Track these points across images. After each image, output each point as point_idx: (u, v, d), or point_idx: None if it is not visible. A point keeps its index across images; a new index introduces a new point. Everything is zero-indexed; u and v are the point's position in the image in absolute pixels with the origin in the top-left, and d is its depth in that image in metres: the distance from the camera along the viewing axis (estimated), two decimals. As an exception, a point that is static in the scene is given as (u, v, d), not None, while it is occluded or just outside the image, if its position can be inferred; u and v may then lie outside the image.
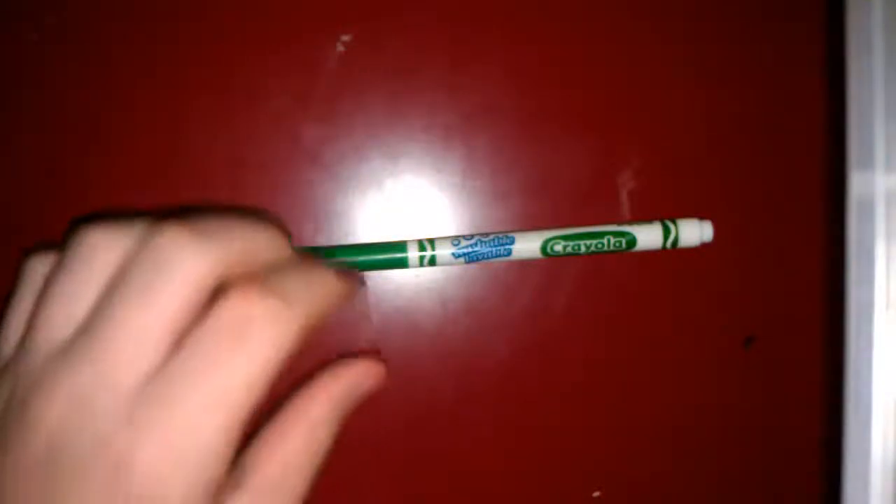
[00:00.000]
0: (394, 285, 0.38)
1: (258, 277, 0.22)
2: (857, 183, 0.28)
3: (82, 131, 0.37)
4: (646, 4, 0.39)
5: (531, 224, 0.39)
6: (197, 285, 0.21)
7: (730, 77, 0.40)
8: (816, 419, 0.40)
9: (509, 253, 0.34)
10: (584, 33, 0.39)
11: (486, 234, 0.33)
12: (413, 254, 0.32)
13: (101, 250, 0.23)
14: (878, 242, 0.28)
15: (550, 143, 0.39)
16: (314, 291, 0.23)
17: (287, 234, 0.26)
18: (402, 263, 0.31)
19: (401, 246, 0.31)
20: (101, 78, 0.37)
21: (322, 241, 0.38)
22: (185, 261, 0.21)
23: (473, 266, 0.38)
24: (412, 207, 0.38)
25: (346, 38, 0.38)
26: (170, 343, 0.22)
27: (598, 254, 0.36)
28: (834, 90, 0.38)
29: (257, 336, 0.21)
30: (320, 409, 0.24)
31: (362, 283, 0.30)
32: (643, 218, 0.38)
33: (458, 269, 0.38)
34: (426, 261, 0.33)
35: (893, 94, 0.27)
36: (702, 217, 0.36)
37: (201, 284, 0.22)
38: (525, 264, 0.39)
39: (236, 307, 0.21)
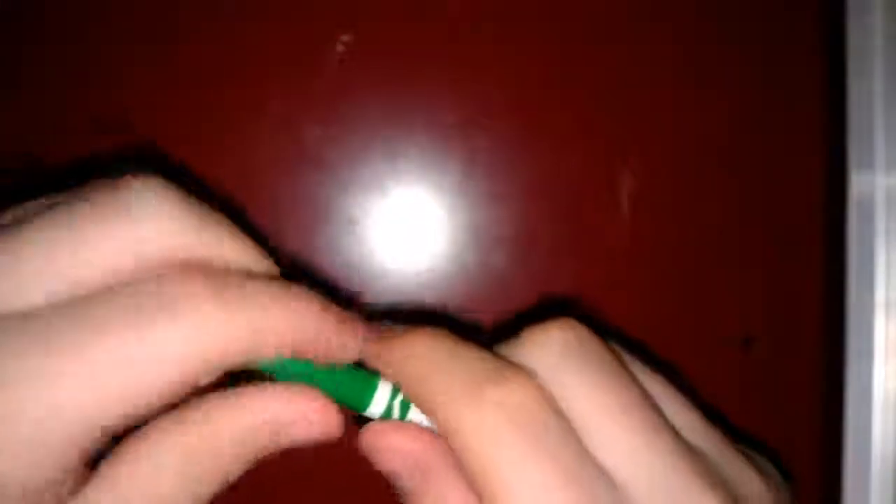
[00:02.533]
0: (394, 285, 0.38)
1: (215, 268, 0.17)
2: (857, 183, 0.28)
3: (79, 131, 0.37)
4: (645, 6, 0.39)
5: (531, 224, 0.39)
6: (148, 235, 0.17)
7: (730, 77, 0.39)
8: (816, 419, 0.40)
9: None
10: (584, 34, 0.39)
11: None
12: (383, 394, 0.20)
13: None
14: (878, 242, 0.28)
15: (550, 143, 0.39)
16: (278, 306, 0.17)
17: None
18: (362, 405, 0.20)
19: (372, 383, 0.20)
20: (98, 77, 0.37)
21: (322, 242, 0.38)
22: (146, 207, 0.17)
23: (473, 266, 0.38)
24: (412, 207, 0.38)
25: (346, 38, 0.38)
26: (72, 286, 0.16)
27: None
28: (834, 90, 0.37)
29: (185, 316, 0.16)
30: (226, 432, 0.18)
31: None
32: (643, 219, 0.39)
33: (459, 268, 0.38)
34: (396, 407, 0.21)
35: (893, 95, 0.27)
36: None
37: (154, 239, 0.17)
38: (526, 264, 0.39)
39: (175, 280, 0.16)
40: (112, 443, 0.17)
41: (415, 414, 0.20)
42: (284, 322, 0.17)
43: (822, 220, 0.40)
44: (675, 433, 0.19)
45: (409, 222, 0.38)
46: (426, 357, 0.19)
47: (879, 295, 0.28)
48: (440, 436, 0.19)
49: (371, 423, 0.20)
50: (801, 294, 0.40)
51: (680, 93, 0.39)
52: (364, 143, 0.38)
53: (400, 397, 0.20)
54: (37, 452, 0.15)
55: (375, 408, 0.20)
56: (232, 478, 0.19)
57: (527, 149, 0.38)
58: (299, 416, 0.18)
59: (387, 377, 0.20)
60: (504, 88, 0.38)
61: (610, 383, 0.19)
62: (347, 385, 0.20)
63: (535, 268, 0.39)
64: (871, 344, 0.28)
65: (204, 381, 0.17)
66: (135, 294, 0.16)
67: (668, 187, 0.39)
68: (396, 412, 0.20)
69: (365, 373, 0.20)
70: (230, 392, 0.18)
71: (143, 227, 0.16)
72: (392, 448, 0.20)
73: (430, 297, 0.38)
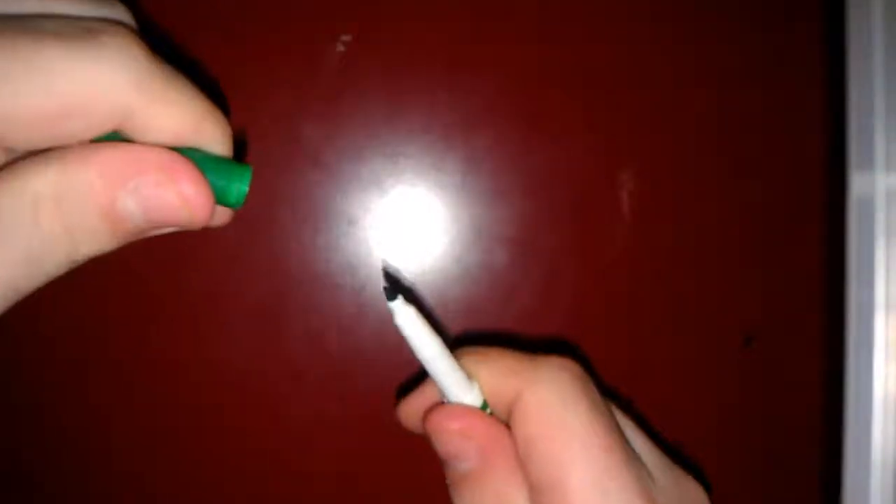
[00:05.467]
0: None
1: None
2: (857, 183, 0.28)
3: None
4: (645, 5, 0.39)
5: (532, 224, 0.38)
6: (105, 91, 0.16)
7: (730, 77, 0.39)
8: (816, 419, 0.40)
9: None
10: (583, 34, 0.39)
11: None
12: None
13: None
14: (878, 242, 0.28)
15: (550, 143, 0.39)
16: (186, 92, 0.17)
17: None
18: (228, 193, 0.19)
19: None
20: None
21: (322, 241, 0.38)
22: (115, 63, 0.16)
23: (473, 266, 0.38)
24: (412, 207, 0.38)
25: (346, 38, 0.38)
26: None
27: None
28: (834, 90, 0.37)
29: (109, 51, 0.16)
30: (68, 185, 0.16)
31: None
32: (643, 219, 0.39)
33: (458, 269, 0.38)
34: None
35: (893, 95, 0.27)
36: None
37: (108, 97, 0.16)
38: (526, 264, 0.39)
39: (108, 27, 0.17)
40: None
41: None
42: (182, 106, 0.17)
43: (822, 220, 0.40)
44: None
45: (408, 222, 0.38)
46: (488, 355, 0.25)
47: (879, 295, 0.28)
48: (502, 425, 0.23)
49: (442, 406, 0.23)
50: (801, 293, 0.40)
51: (680, 93, 0.39)
52: (364, 143, 0.38)
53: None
54: None
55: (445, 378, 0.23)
56: (85, 250, 0.17)
57: (527, 149, 0.39)
58: (148, 170, 0.17)
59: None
60: (504, 88, 0.38)
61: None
62: (216, 169, 0.18)
63: (535, 268, 0.39)
64: (871, 344, 0.28)
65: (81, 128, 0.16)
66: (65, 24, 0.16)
67: (668, 187, 0.39)
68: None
69: (239, 166, 0.19)
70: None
71: (105, 83, 0.16)
72: (462, 431, 0.23)
73: (430, 297, 0.38)
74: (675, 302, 0.40)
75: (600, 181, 0.39)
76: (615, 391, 0.38)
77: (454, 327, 0.39)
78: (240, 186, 0.19)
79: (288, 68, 0.37)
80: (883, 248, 0.28)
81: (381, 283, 0.22)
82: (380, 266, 0.38)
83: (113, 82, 0.16)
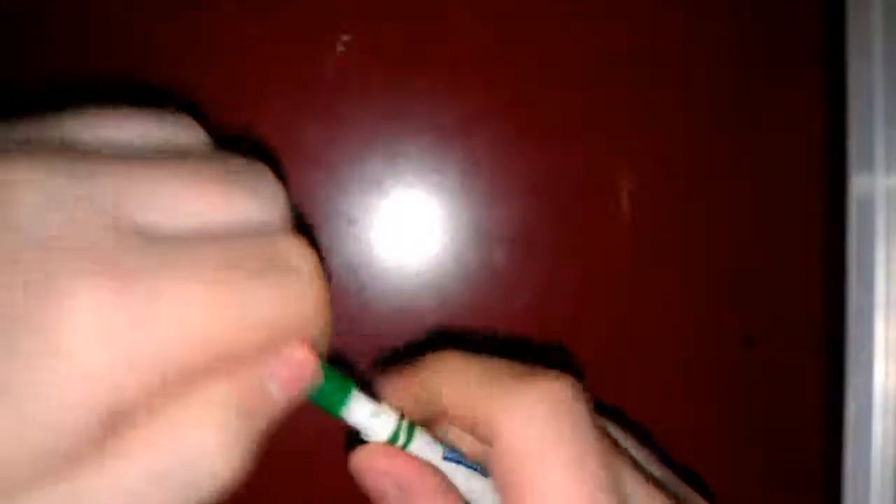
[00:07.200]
0: (394, 285, 0.38)
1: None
2: (857, 183, 0.28)
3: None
4: (645, 5, 0.39)
5: (532, 224, 0.39)
6: (260, 219, 0.18)
7: (729, 77, 0.39)
8: (816, 419, 0.40)
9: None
10: (583, 34, 0.39)
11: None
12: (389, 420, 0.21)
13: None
14: (878, 242, 0.28)
15: (550, 143, 0.39)
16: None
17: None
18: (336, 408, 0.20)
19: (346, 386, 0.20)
20: (97, 78, 0.37)
21: (322, 242, 0.38)
22: (266, 194, 0.19)
23: (473, 266, 0.38)
24: (412, 207, 0.38)
25: (346, 38, 0.38)
26: None
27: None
28: (834, 91, 0.37)
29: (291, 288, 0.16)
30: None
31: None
32: (643, 219, 0.39)
33: (458, 268, 0.38)
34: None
35: (893, 96, 0.27)
36: None
37: (261, 222, 0.18)
38: (526, 264, 0.39)
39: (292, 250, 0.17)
40: None
41: (419, 438, 0.21)
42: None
43: (822, 220, 0.40)
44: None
45: (408, 222, 0.38)
46: (460, 369, 0.21)
47: (879, 295, 0.28)
48: (427, 465, 0.21)
49: (364, 445, 0.21)
50: (801, 294, 0.40)
51: (680, 93, 0.39)
52: (364, 143, 0.38)
53: (405, 423, 0.21)
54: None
55: (354, 416, 0.20)
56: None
57: (527, 148, 0.39)
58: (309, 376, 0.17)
59: (420, 401, 0.21)
60: (504, 88, 0.38)
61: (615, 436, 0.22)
62: (325, 385, 0.19)
63: (535, 268, 0.39)
64: (871, 344, 0.28)
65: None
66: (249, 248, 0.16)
67: (668, 187, 0.39)
68: (402, 438, 0.21)
69: (341, 378, 0.20)
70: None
71: (260, 212, 0.17)
72: (381, 469, 0.21)
73: (430, 297, 0.38)
74: (675, 302, 0.40)
75: (600, 181, 0.39)
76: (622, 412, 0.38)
77: (454, 326, 0.39)
78: (341, 402, 0.20)
79: (288, 68, 0.37)
80: (883, 249, 0.28)
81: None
82: (380, 266, 0.38)
83: (307, 319, 0.16)
